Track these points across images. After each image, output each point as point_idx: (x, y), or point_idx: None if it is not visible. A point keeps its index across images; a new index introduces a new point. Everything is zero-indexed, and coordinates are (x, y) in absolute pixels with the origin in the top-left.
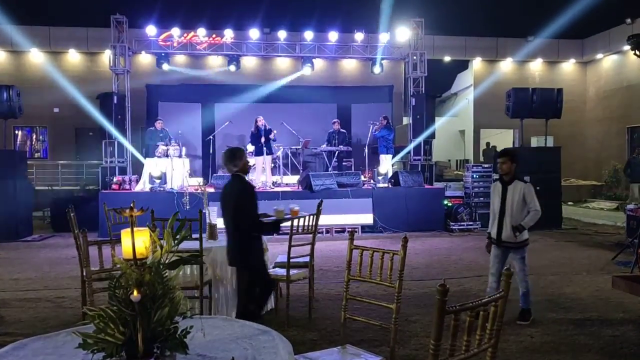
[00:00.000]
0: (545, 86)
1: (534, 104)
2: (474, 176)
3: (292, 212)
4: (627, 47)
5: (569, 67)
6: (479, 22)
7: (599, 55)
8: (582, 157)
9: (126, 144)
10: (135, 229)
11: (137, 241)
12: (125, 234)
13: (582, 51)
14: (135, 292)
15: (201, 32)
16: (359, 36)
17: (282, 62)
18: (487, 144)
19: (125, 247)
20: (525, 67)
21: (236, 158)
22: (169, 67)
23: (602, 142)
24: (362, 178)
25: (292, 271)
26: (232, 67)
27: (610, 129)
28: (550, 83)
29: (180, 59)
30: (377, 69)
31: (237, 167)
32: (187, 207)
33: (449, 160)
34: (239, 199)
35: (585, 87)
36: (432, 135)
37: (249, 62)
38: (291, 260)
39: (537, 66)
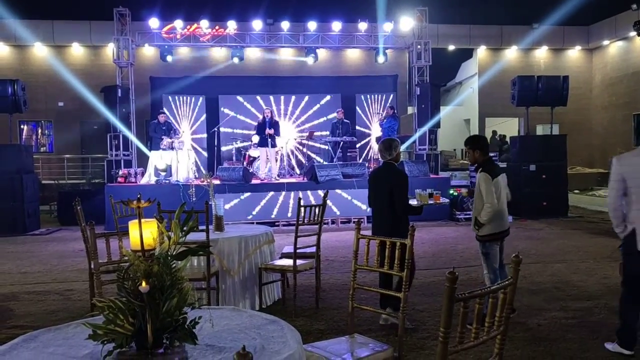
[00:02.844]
0: (550, 74)
1: (539, 91)
2: None
3: (434, 197)
4: (633, 33)
5: (574, 54)
6: (483, 9)
7: (605, 42)
8: (588, 144)
9: (131, 137)
10: (142, 220)
11: (144, 232)
12: (132, 226)
13: (587, 38)
14: (143, 283)
15: (204, 23)
16: (362, 26)
17: (286, 53)
18: (494, 132)
19: (133, 238)
20: (531, 54)
21: (392, 148)
22: (172, 60)
23: (608, 130)
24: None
25: (299, 261)
26: (236, 59)
27: (616, 116)
28: (556, 70)
29: (184, 51)
30: (381, 59)
31: (392, 156)
32: (194, 199)
33: (454, 150)
34: (396, 184)
35: (591, 74)
36: (437, 125)
37: (253, 54)
38: (298, 250)
39: (542, 54)
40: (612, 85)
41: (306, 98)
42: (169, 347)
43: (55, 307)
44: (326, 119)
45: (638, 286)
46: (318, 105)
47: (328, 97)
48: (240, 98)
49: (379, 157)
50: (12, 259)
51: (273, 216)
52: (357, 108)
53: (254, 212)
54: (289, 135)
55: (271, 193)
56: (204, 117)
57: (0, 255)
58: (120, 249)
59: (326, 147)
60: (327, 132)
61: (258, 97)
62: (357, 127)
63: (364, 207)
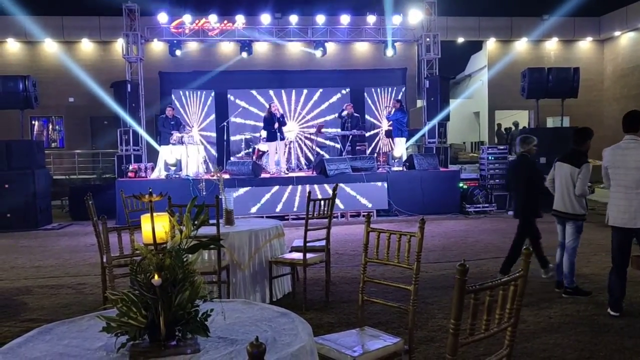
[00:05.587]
0: (561, 65)
1: (549, 83)
2: (490, 158)
3: None
4: None
5: (585, 45)
6: (493, 1)
7: (616, 33)
8: (599, 136)
9: (141, 131)
10: (154, 214)
11: (156, 226)
12: (145, 219)
13: (598, 29)
14: (156, 277)
15: (213, 18)
16: (371, 19)
17: (294, 47)
18: (499, 125)
19: (146, 232)
20: (541, 46)
21: (526, 143)
22: (181, 54)
23: (620, 121)
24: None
25: (309, 255)
26: (244, 53)
27: (627, 108)
28: (566, 62)
29: (193, 45)
30: (390, 52)
31: (524, 149)
32: (204, 193)
33: (464, 143)
34: (535, 172)
35: (603, 65)
36: (447, 118)
37: (261, 48)
38: (307, 244)
39: (552, 45)
40: (624, 76)
41: (317, 94)
42: (181, 339)
43: (68, 300)
44: (333, 118)
45: (618, 259)
46: (326, 99)
47: (339, 95)
48: (253, 92)
49: (515, 149)
50: (26, 254)
51: (278, 210)
52: (367, 99)
53: (258, 205)
54: (295, 128)
55: (276, 187)
56: (213, 116)
57: (14, 249)
58: (132, 243)
59: (336, 145)
60: (337, 129)
61: (271, 92)
62: (367, 117)
63: (369, 204)
